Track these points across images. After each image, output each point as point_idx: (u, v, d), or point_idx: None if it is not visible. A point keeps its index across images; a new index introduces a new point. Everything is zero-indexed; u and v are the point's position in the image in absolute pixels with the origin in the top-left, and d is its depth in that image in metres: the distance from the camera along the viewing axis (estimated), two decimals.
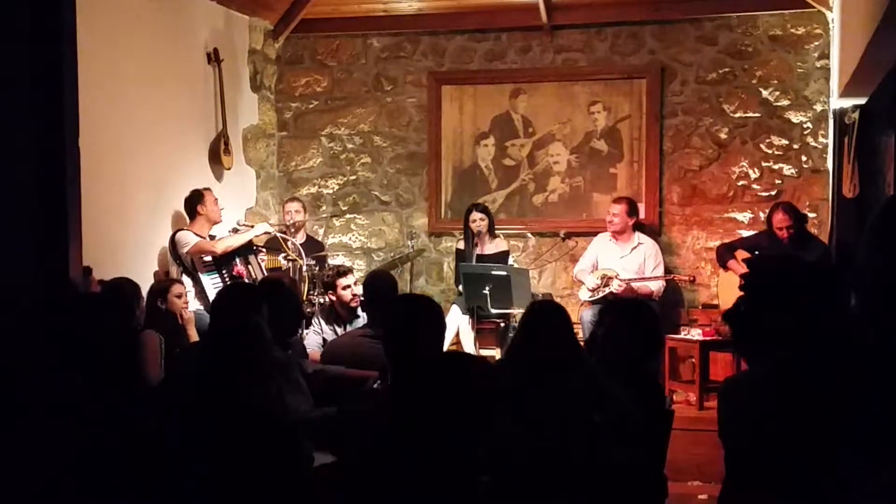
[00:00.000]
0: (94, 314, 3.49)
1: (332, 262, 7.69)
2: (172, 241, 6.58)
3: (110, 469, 3.14)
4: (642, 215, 7.64)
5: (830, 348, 2.50)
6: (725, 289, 7.17)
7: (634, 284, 7.08)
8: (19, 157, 3.53)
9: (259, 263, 6.88)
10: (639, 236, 7.41)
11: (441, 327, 3.69)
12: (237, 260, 6.69)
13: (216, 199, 6.80)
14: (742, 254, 6.81)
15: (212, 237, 6.72)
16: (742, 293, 2.74)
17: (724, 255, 7.01)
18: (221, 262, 6.60)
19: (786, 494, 2.42)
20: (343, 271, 6.02)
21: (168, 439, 3.43)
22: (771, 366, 2.55)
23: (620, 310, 3.86)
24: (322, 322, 6.03)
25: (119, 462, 3.16)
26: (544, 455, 3.13)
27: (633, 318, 3.71)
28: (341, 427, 3.72)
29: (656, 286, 7.16)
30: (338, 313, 5.98)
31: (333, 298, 6.00)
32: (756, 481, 2.47)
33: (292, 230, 7.50)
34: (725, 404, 2.68)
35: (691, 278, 7.37)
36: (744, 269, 6.52)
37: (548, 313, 3.55)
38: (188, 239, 6.50)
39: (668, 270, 7.47)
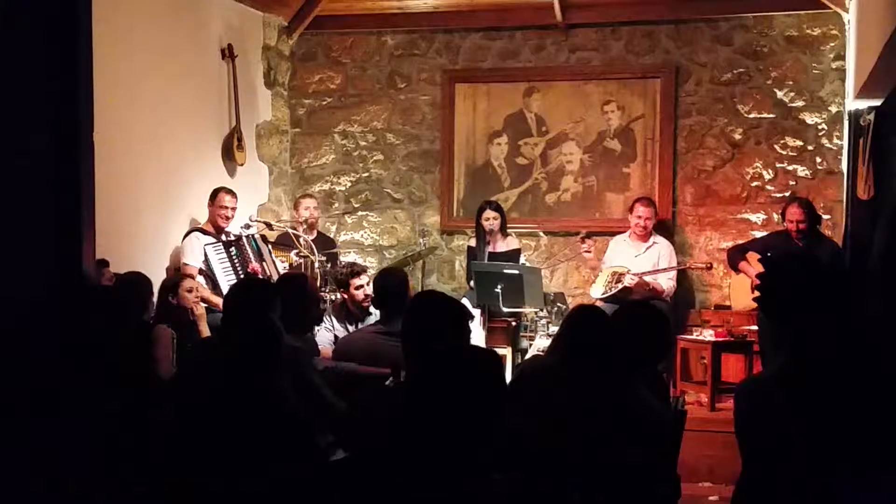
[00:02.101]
0: (108, 308, 3.50)
1: (343, 259, 7.69)
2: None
3: (122, 462, 3.15)
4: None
5: (844, 348, 2.50)
6: (737, 290, 7.14)
7: (647, 278, 7.05)
8: (34, 152, 3.54)
9: (273, 261, 6.90)
10: (654, 236, 7.40)
11: (465, 325, 3.70)
12: (252, 257, 6.71)
13: (225, 206, 6.76)
14: (753, 255, 6.77)
15: (226, 234, 6.77)
16: (756, 294, 2.74)
17: (734, 257, 6.95)
18: (236, 263, 6.63)
19: (799, 493, 2.41)
20: (356, 271, 5.98)
21: (180, 434, 3.43)
22: (785, 366, 2.55)
23: (629, 312, 3.86)
24: (334, 319, 6.03)
25: (131, 456, 3.17)
26: (561, 453, 3.13)
27: (641, 320, 3.72)
28: (354, 424, 3.72)
29: (668, 284, 7.14)
30: (350, 311, 5.98)
31: (346, 296, 6.00)
32: (770, 480, 2.46)
33: (305, 227, 7.50)
34: (741, 404, 2.68)
35: (708, 265, 7.34)
36: (756, 269, 6.50)
37: (590, 317, 3.58)
38: (185, 251, 6.64)
39: (679, 270, 7.45)
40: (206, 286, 6.40)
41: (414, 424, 2.98)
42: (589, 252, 7.44)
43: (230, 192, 6.88)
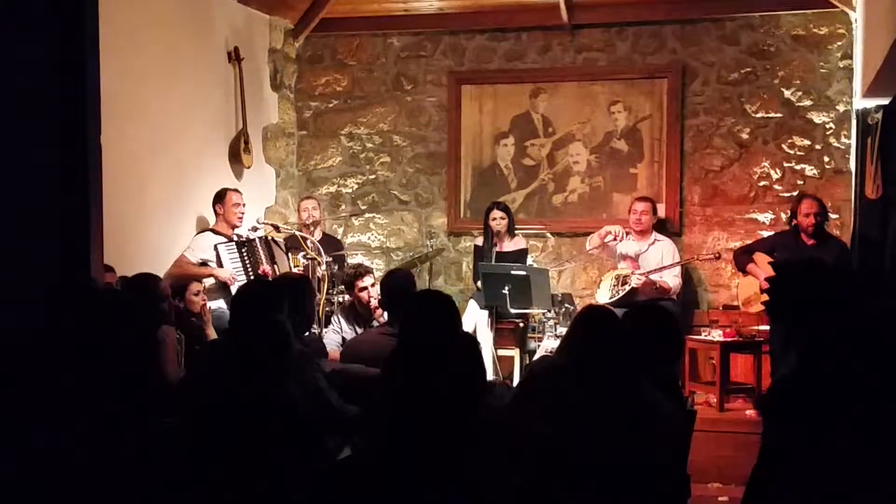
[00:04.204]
0: (115, 311, 3.50)
1: (350, 260, 7.70)
2: None
3: (129, 466, 3.15)
4: (661, 215, 7.62)
5: (854, 348, 2.49)
6: (746, 291, 7.11)
7: (653, 276, 7.03)
8: (42, 156, 3.55)
9: (289, 263, 6.92)
10: (656, 234, 7.39)
11: (456, 322, 3.69)
12: (263, 259, 6.73)
13: (237, 203, 6.82)
14: (760, 256, 6.73)
15: (238, 235, 6.80)
16: (766, 297, 2.74)
17: (741, 258, 6.92)
18: (248, 265, 6.64)
19: (819, 482, 2.42)
20: (361, 272, 5.99)
21: (187, 436, 3.43)
22: (799, 367, 2.54)
23: (640, 313, 3.85)
24: (342, 321, 6.03)
25: (137, 458, 3.17)
26: (570, 454, 3.12)
27: (652, 321, 3.71)
28: (363, 424, 3.71)
29: (674, 282, 7.11)
30: (357, 312, 5.98)
31: (353, 298, 6.00)
32: (783, 477, 2.47)
33: (312, 228, 7.53)
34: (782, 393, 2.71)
35: (716, 255, 7.31)
36: (764, 270, 6.47)
37: (599, 318, 3.58)
38: (190, 245, 6.68)
39: (686, 269, 7.43)
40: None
41: (397, 412, 2.97)
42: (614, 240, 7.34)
43: (236, 190, 6.94)
